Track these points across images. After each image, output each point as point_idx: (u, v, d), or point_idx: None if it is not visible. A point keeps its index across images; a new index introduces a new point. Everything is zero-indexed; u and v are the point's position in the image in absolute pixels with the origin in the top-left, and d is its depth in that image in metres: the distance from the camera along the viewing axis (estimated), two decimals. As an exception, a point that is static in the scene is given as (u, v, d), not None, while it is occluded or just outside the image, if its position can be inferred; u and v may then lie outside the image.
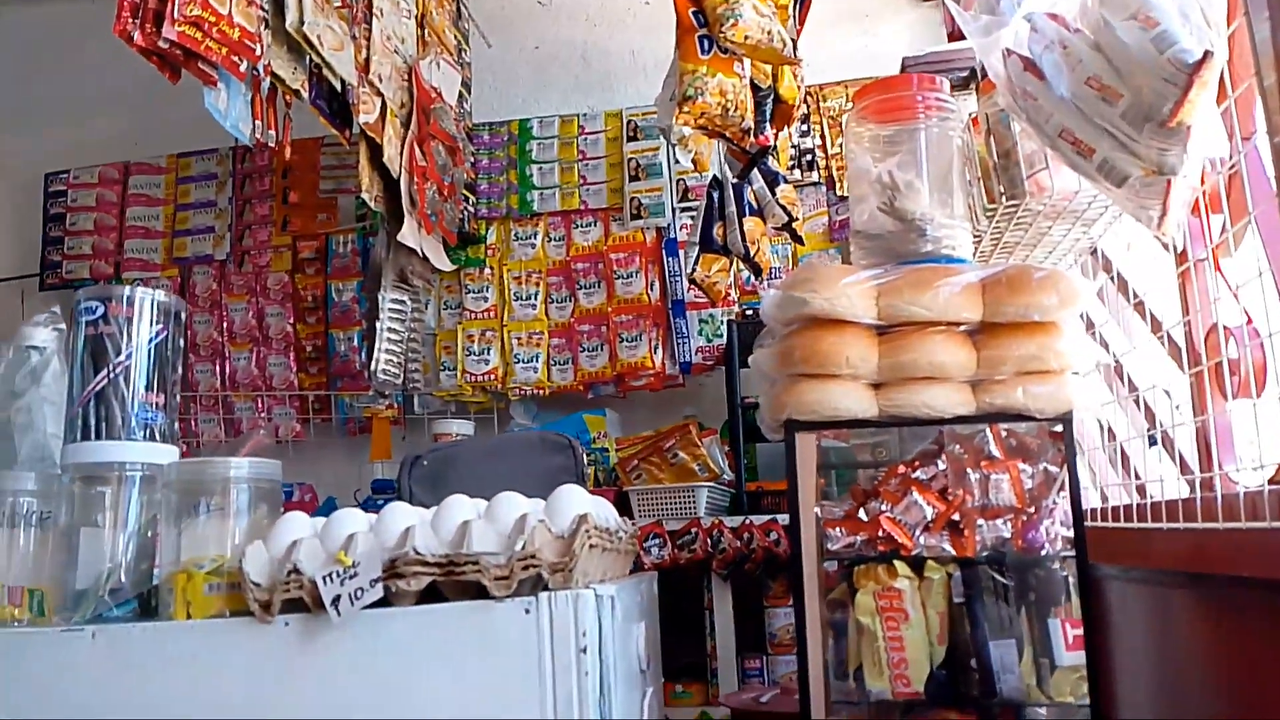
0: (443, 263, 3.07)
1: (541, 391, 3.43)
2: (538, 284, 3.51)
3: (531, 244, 3.57)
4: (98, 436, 1.47)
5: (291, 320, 3.60)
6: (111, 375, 1.49)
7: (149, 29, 1.92)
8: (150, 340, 1.54)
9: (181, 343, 1.60)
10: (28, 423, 1.72)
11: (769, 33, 1.96)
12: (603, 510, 1.47)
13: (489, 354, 3.44)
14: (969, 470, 1.49)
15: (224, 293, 3.64)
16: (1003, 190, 1.79)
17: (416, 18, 3.12)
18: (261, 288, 3.62)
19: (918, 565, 1.46)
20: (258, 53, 2.09)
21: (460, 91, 3.47)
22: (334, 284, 3.60)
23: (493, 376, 3.42)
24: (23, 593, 1.35)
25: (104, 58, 2.91)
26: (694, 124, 2.06)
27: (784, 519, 2.64)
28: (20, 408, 1.74)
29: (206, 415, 3.56)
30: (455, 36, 3.47)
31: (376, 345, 2.84)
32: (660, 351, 3.39)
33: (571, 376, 3.43)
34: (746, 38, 1.94)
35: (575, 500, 1.37)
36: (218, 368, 3.58)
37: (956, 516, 1.46)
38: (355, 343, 3.52)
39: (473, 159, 3.59)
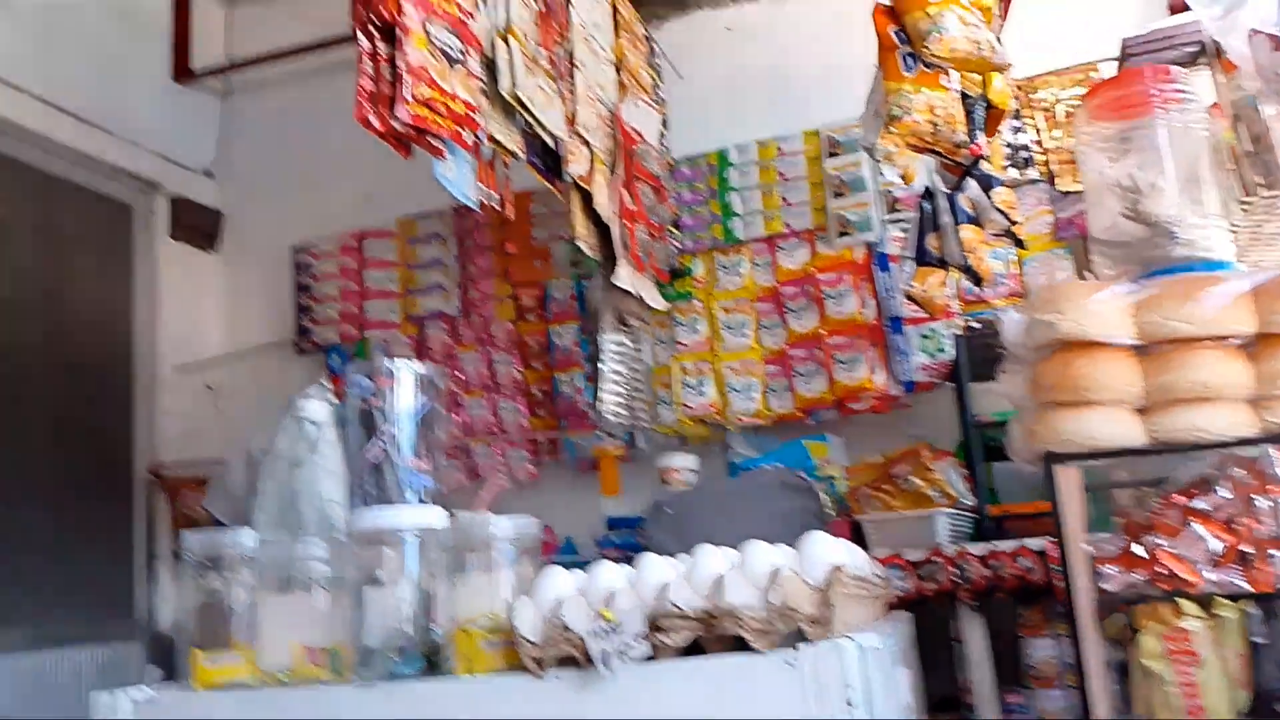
0: (657, 301, 3.13)
1: (761, 421, 3.42)
2: (747, 312, 3.52)
3: (738, 273, 3.59)
4: (375, 503, 1.59)
5: (519, 366, 3.77)
6: (383, 445, 1.61)
7: (384, 113, 2.07)
8: (413, 409, 1.65)
9: (439, 407, 1.71)
10: (311, 491, 1.88)
11: (976, 42, 1.88)
12: (853, 556, 1.45)
13: (705, 386, 3.47)
14: (1256, 497, 1.36)
15: (456, 344, 3.86)
16: (1259, 180, 1.64)
17: (614, 63, 3.22)
18: (489, 337, 3.82)
19: (1206, 603, 1.34)
20: (479, 122, 2.21)
21: (660, 130, 3.54)
22: (554, 329, 3.75)
23: (711, 409, 3.45)
24: (322, 653, 1.47)
25: (339, 133, 3.16)
26: (903, 144, 2.01)
27: (1035, 544, 2.51)
28: (302, 477, 1.91)
29: (450, 461, 3.77)
30: (649, 75, 3.55)
31: (601, 387, 2.93)
32: (880, 371, 3.31)
33: (790, 403, 3.40)
34: (953, 51, 1.87)
35: (825, 548, 1.36)
36: (455, 416, 3.80)
37: (1247, 548, 1.34)
38: (578, 384, 3.64)
39: (675, 194, 3.64)
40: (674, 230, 3.57)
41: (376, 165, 3.02)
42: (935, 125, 2.00)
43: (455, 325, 3.88)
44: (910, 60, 2.01)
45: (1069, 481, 1.41)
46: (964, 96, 2.20)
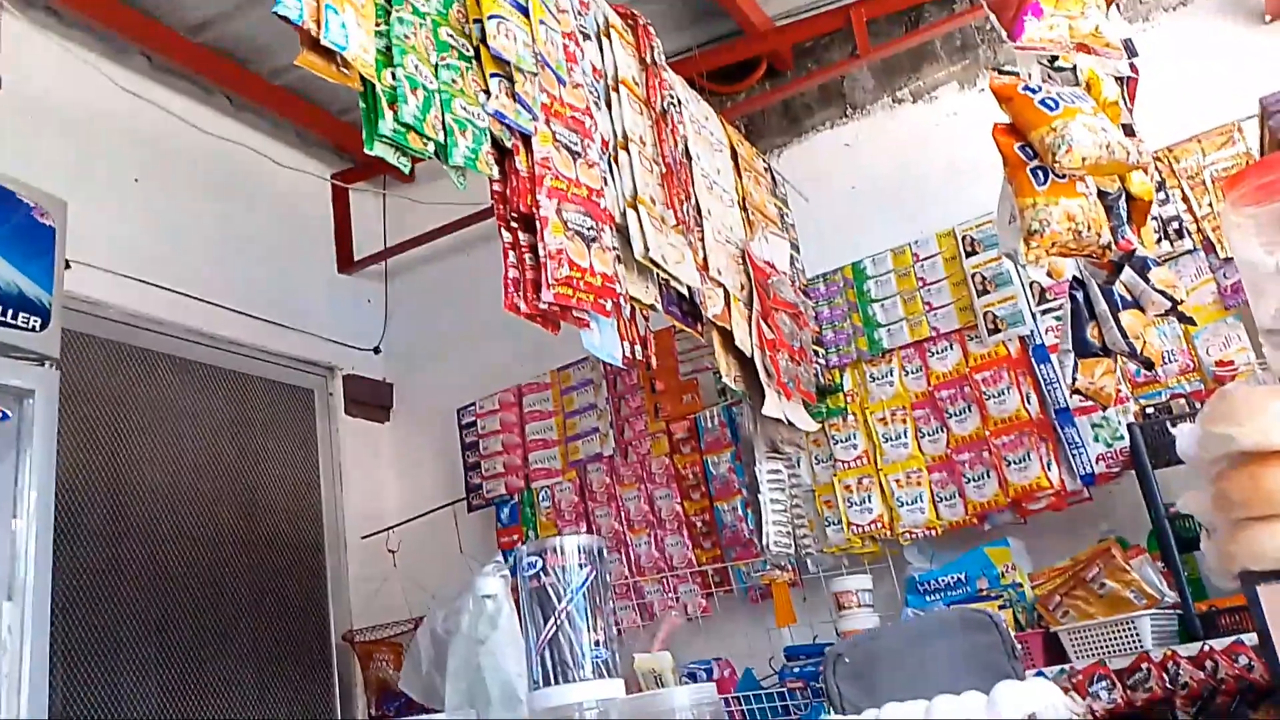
0: (807, 424, 3.14)
1: (933, 531, 3.33)
2: (904, 420, 3.47)
3: (889, 382, 3.55)
4: (555, 680, 1.64)
5: (679, 500, 3.82)
6: (557, 622, 1.66)
7: (531, 297, 2.21)
8: (582, 583, 1.71)
9: (607, 576, 1.76)
10: (494, 665, 1.96)
11: (1106, 146, 1.87)
12: (1048, 696, 1.39)
13: (870, 501, 3.41)
14: None
15: (616, 484, 3.95)
16: None
17: (739, 202, 3.32)
18: (647, 474, 3.89)
19: None
20: (617, 290, 2.32)
21: (790, 255, 3.60)
22: (709, 459, 3.79)
23: (879, 524, 3.38)
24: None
25: (490, 298, 3.35)
26: (1046, 255, 1.98)
27: (1250, 639, 2.31)
28: (486, 652, 1.99)
29: (621, 603, 3.81)
30: (775, 205, 3.64)
31: (764, 519, 2.93)
32: (1055, 467, 3.18)
33: (962, 510, 3.30)
34: (1084, 160, 1.86)
35: (1017, 695, 1.31)
36: (623, 555, 3.86)
37: None
38: (739, 511, 3.64)
39: (813, 312, 3.68)
40: (817, 349, 3.58)
41: (529, 324, 3.20)
42: (1078, 233, 1.98)
43: (614, 465, 3.98)
44: (1042, 175, 2.00)
45: (1275, 599, 1.32)
46: (1103, 194, 2.17)
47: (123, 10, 3.83)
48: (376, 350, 4.94)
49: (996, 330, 3.36)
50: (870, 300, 3.67)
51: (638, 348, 2.70)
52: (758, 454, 3.07)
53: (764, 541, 2.97)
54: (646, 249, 2.51)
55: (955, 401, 3.40)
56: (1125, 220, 2.25)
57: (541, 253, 2.16)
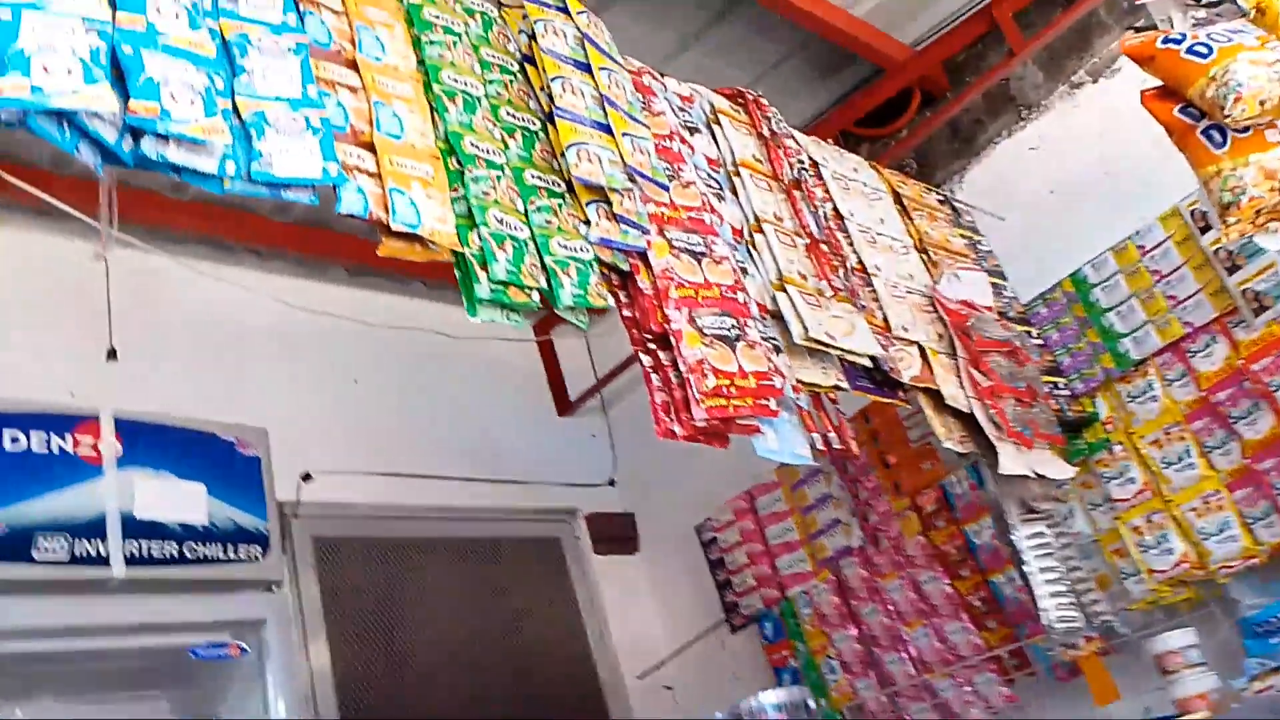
0: (1061, 471, 2.72)
1: (1254, 559, 2.75)
2: (1182, 437, 2.94)
3: (1152, 397, 3.05)
4: None
5: (947, 580, 3.42)
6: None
7: (685, 417, 2.05)
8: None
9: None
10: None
11: (1290, 73, 1.49)
12: None
13: (1168, 540, 2.88)
14: None
15: (875, 576, 3.61)
16: None
17: (914, 246, 3.03)
18: (905, 559, 3.54)
19: None
20: (777, 385, 2.12)
21: (993, 283, 3.23)
22: (968, 529, 3.39)
23: (1185, 565, 2.84)
24: None
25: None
26: (1254, 227, 1.60)
27: None
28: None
29: (916, 705, 3.44)
30: (961, 237, 3.30)
31: (1038, 595, 2.52)
32: (1390, 452, 2.56)
33: (1284, 528, 2.72)
34: (1263, 103, 1.49)
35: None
36: (904, 653, 3.49)
37: None
38: (1019, 581, 3.19)
39: (1040, 339, 3.25)
40: (1055, 379, 3.15)
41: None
42: (1286, 184, 1.58)
43: (867, 556, 3.65)
44: (1218, 134, 1.63)
45: None
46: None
47: (319, 233, 4.14)
48: (611, 483, 4.92)
49: (1262, 309, 2.81)
50: (1102, 310, 3.20)
51: (831, 435, 2.46)
52: (1011, 520, 2.69)
53: (1045, 621, 2.55)
54: (806, 330, 2.29)
55: (1237, 402, 2.84)
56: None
57: (682, 368, 2.01)
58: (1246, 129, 1.58)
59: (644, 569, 4.78)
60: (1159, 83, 1.70)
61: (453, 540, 4.29)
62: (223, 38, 1.61)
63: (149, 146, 1.45)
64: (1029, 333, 3.23)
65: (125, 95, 1.42)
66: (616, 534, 4.78)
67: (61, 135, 1.38)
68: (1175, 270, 3.06)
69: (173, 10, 1.50)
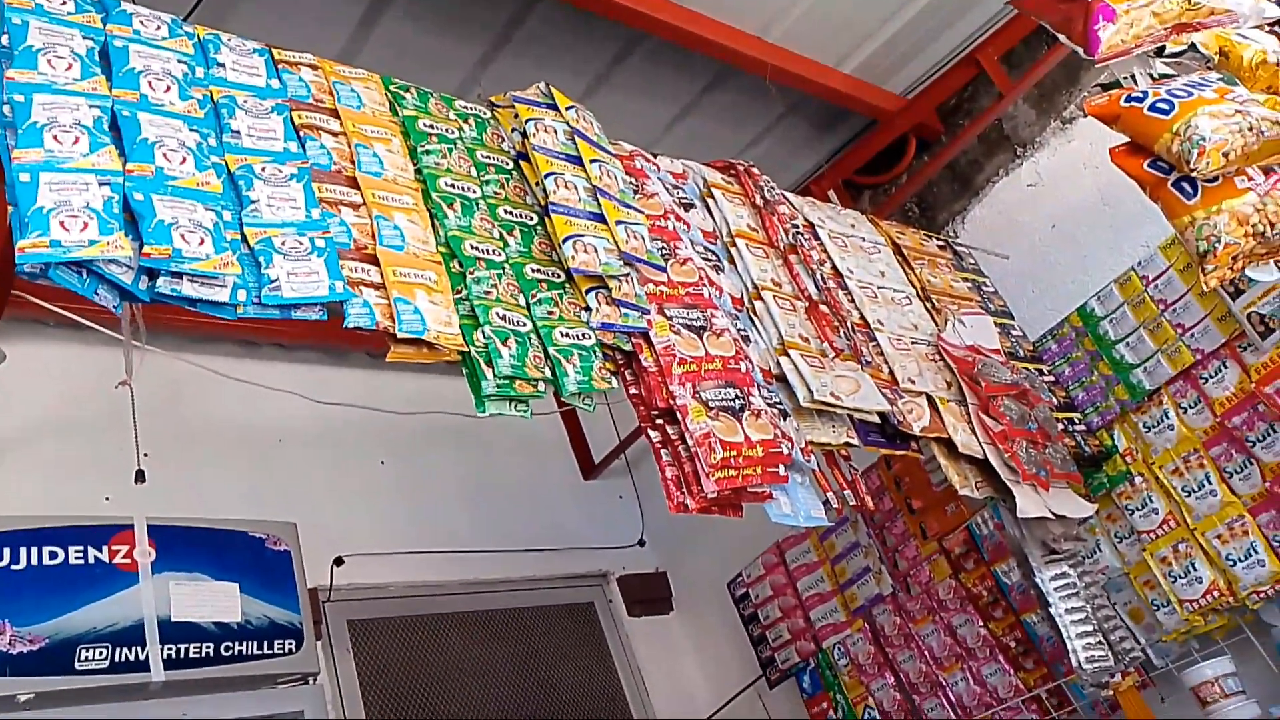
0: (1080, 509, 2.73)
1: (1286, 584, 2.74)
2: (1201, 464, 2.94)
3: (1168, 426, 3.05)
4: None
5: (981, 623, 3.41)
6: None
7: (696, 490, 2.10)
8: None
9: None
10: None
11: (1249, 127, 1.53)
12: None
13: (1196, 569, 2.87)
14: None
15: (909, 623, 3.60)
16: None
17: (917, 295, 3.08)
18: (937, 603, 3.53)
19: None
20: (785, 451, 2.16)
21: (1000, 324, 3.26)
22: (998, 568, 3.38)
23: (1215, 593, 2.83)
24: None
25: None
26: (1234, 272, 1.63)
27: None
28: None
29: (962, 750, 3.41)
30: (965, 281, 3.34)
31: (1066, 637, 2.52)
32: None
33: (1312, 550, 2.70)
34: (1226, 155, 1.53)
35: None
36: (943, 698, 3.47)
37: None
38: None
39: (1051, 377, 3.27)
40: (1070, 415, 3.17)
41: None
42: (1260, 234, 1.61)
43: (899, 603, 3.64)
44: (1188, 186, 1.67)
45: None
46: (1289, 167, 1.78)
47: (339, 324, 4.24)
48: (641, 543, 4.94)
49: (1269, 331, 2.81)
50: (1112, 343, 3.22)
51: (846, 493, 2.49)
52: (1034, 563, 2.69)
53: (1075, 664, 2.54)
54: (811, 392, 2.34)
55: (1253, 425, 2.85)
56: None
57: (690, 442, 2.06)
58: (1216, 179, 1.62)
59: (680, 627, 4.77)
60: (1126, 139, 1.75)
61: (487, 613, 4.33)
62: (229, 171, 1.71)
63: (164, 284, 1.54)
64: (1040, 370, 3.25)
65: (138, 239, 1.51)
66: (650, 594, 4.79)
67: (80, 282, 1.47)
68: (1180, 298, 3.08)
69: (179, 154, 1.59)
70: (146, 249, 1.50)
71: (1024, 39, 3.70)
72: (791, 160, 4.23)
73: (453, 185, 2.05)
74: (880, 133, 4.01)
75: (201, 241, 1.55)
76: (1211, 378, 2.98)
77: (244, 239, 1.67)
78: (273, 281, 1.64)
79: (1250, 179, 1.68)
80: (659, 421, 2.17)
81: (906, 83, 3.92)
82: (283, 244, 1.68)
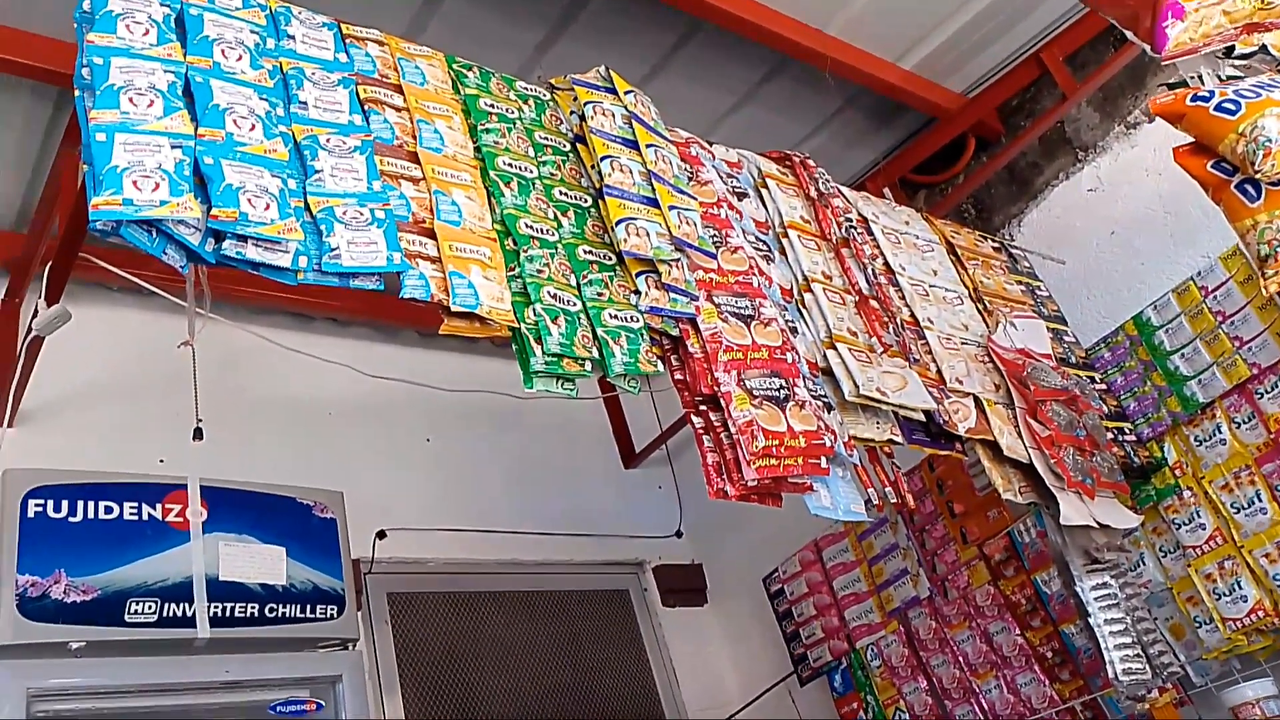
0: (1125, 520, 2.69)
1: (1335, 607, 2.68)
2: (1252, 481, 2.88)
3: (1220, 440, 2.99)
4: None
5: (1018, 631, 3.38)
6: None
7: (736, 478, 2.11)
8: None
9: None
10: None
11: (1320, 133, 1.50)
12: None
13: (1241, 587, 2.82)
14: None
15: (944, 627, 3.58)
16: None
17: (969, 295, 3.05)
18: (974, 609, 3.50)
19: None
20: (828, 444, 2.16)
21: (1053, 329, 3.23)
22: (1038, 577, 3.35)
23: (1260, 612, 2.77)
24: None
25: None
26: (1295, 279, 1.60)
27: None
28: None
29: (988, 760, 3.38)
30: (1019, 285, 3.30)
31: (1103, 647, 2.49)
32: None
33: (1366, 574, 2.64)
34: (1293, 158, 1.51)
35: None
36: (975, 705, 3.44)
37: None
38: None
39: (1103, 384, 3.23)
40: (1121, 424, 3.12)
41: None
42: (1323, 238, 1.59)
43: (935, 607, 3.62)
44: (1252, 188, 1.65)
45: None
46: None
47: (392, 300, 4.29)
48: (679, 534, 4.95)
49: (1332, 347, 2.75)
50: (1167, 354, 3.17)
51: (888, 490, 2.48)
52: (1075, 571, 2.65)
53: (1113, 675, 2.51)
54: (857, 387, 2.33)
55: (1310, 444, 2.79)
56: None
57: (732, 429, 2.07)
58: (1279, 182, 1.60)
59: (713, 620, 4.78)
60: (1191, 139, 1.73)
61: (523, 594, 4.37)
62: (295, 141, 1.75)
63: (229, 247, 1.58)
64: (1092, 378, 3.21)
65: (207, 202, 1.56)
66: (685, 585, 4.80)
67: (150, 241, 1.51)
68: (1239, 311, 3.02)
69: (249, 121, 1.64)
70: (215, 211, 1.55)
71: (1090, 40, 3.63)
72: (847, 155, 4.20)
73: (510, 164, 2.08)
74: (939, 131, 3.98)
75: (267, 207, 1.59)
76: (1268, 393, 2.92)
77: (307, 207, 1.71)
78: (333, 249, 1.67)
79: (1318, 182, 1.65)
80: (702, 408, 2.18)
81: (968, 81, 3.88)
82: (344, 214, 1.72)
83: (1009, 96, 3.92)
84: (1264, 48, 1.71)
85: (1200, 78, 1.72)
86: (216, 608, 2.49)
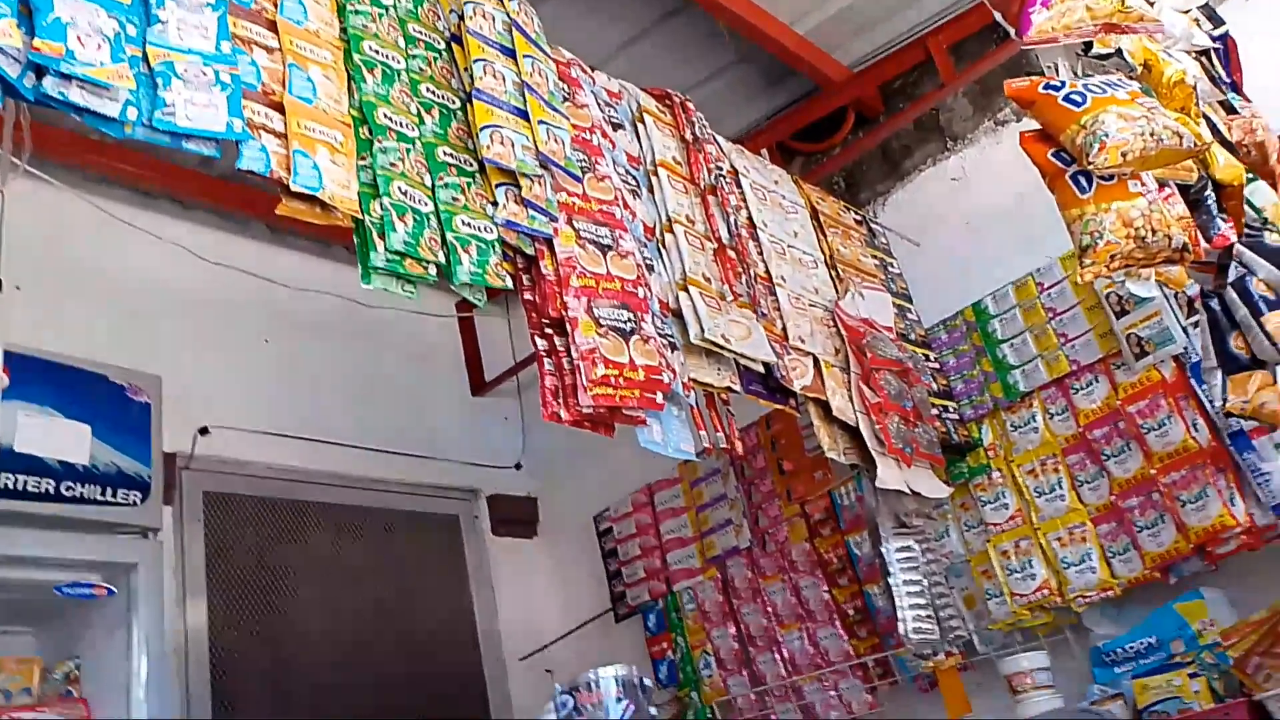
0: (936, 490, 2.84)
1: (1110, 592, 2.91)
2: (1056, 470, 3.09)
3: (1033, 428, 3.19)
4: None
5: (825, 587, 3.54)
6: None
7: (572, 403, 2.10)
8: (622, 717, 1.54)
9: (652, 710, 1.59)
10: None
11: (1151, 134, 1.59)
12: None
13: (1032, 566, 3.03)
14: None
15: (759, 578, 3.71)
16: None
17: (824, 261, 3.12)
18: (789, 563, 3.64)
19: None
20: (666, 380, 2.18)
21: (898, 305, 3.34)
22: (850, 539, 3.51)
23: (1046, 591, 2.99)
24: None
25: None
26: (1109, 271, 1.70)
27: None
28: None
29: (782, 705, 3.54)
30: (872, 258, 3.41)
31: (899, 605, 2.64)
32: (1239, 500, 2.73)
33: (1139, 564, 2.87)
34: (1124, 155, 1.59)
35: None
36: (777, 654, 3.59)
37: None
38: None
39: (936, 364, 3.38)
40: (945, 404, 3.28)
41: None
42: (1141, 238, 1.69)
43: (754, 558, 3.75)
44: (1084, 180, 1.74)
45: None
46: (1183, 189, 1.86)
47: (242, 189, 4.06)
48: (518, 466, 4.94)
49: (1144, 354, 2.95)
50: (997, 342, 3.34)
51: (719, 435, 2.53)
52: (883, 531, 2.79)
53: (903, 630, 2.66)
54: (702, 330, 2.36)
55: (1111, 440, 3.00)
56: (1216, 213, 1.91)
57: (574, 355, 2.06)
58: (1111, 177, 1.69)
59: (541, 554, 4.81)
60: (1038, 126, 1.81)
61: (349, 508, 4.26)
62: (140, -18, 1.61)
63: (51, 85, 1.45)
64: (927, 356, 3.35)
65: (31, 33, 1.42)
66: (517, 517, 4.81)
67: (-44, 62, 1.37)
68: (1069, 309, 3.20)
69: (88, -49, 1.50)
70: (37, 43, 1.41)
71: (976, 33, 3.74)
72: (732, 111, 4.21)
73: (377, 51, 1.98)
74: (822, 100, 4.03)
75: (99, 47, 1.47)
76: (1082, 389, 3.12)
77: (145, 58, 1.58)
78: (168, 106, 1.56)
79: (1144, 185, 1.75)
80: (548, 331, 2.16)
81: (856, 55, 3.94)
82: (185, 70, 1.60)
83: (892, 77, 4.00)
84: (1120, 51, 1.81)
85: (1056, 68, 1.80)
86: (8, 478, 2.33)
